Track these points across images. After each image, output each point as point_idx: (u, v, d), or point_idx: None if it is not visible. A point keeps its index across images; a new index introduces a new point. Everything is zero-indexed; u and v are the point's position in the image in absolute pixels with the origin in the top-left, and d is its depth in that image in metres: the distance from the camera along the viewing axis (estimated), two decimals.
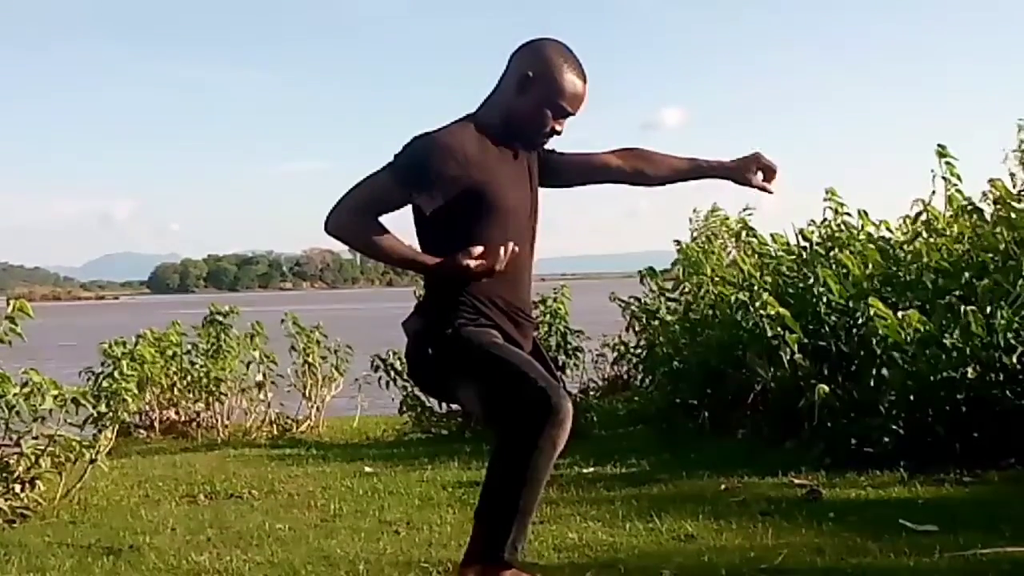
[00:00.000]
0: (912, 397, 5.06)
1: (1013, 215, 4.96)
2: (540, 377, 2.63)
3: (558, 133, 2.83)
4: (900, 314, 5.03)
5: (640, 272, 7.53)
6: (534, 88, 2.75)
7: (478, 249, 2.68)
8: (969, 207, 5.42)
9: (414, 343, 2.85)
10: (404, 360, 3.00)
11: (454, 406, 7.11)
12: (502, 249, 2.67)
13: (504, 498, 2.63)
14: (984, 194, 5.25)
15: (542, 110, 2.77)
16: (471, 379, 2.72)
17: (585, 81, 2.79)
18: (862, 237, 6.04)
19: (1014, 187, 5.39)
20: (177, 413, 8.07)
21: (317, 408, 8.33)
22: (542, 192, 2.97)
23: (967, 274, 5.24)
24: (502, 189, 2.78)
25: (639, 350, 7.58)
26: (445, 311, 2.75)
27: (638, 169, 3.05)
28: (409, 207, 2.78)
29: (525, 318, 2.88)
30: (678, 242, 7.16)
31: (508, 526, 2.63)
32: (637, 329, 7.54)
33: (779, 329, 5.58)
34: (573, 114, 2.81)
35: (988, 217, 5.35)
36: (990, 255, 5.20)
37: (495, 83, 2.86)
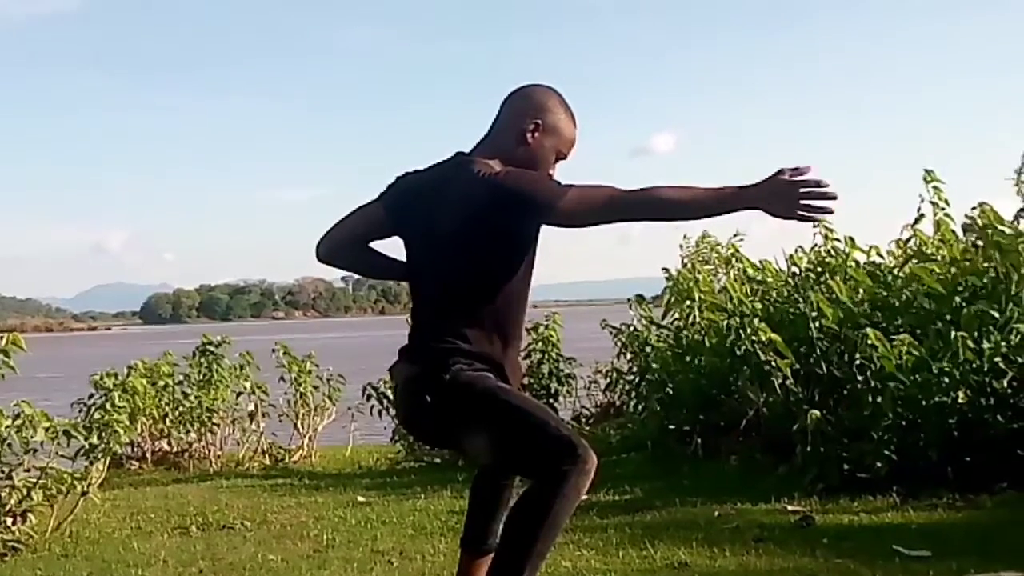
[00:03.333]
0: (904, 422, 5.06)
1: (1002, 240, 4.97)
2: (561, 424, 2.63)
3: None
4: (893, 339, 5.04)
5: (629, 300, 7.53)
6: (541, 137, 2.81)
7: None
8: (967, 227, 5.41)
9: (408, 390, 2.79)
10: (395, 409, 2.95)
11: None
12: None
13: (522, 541, 2.59)
14: (971, 220, 5.26)
15: (548, 158, 2.83)
16: (481, 427, 2.66)
17: (576, 127, 2.88)
18: (851, 263, 6.04)
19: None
20: (169, 444, 8.04)
21: (309, 437, 8.30)
22: None
23: (957, 299, 5.25)
24: None
25: (631, 377, 7.56)
26: (438, 356, 2.69)
27: None
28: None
29: (515, 360, 2.85)
30: (666, 270, 7.17)
31: (522, 567, 2.60)
32: (629, 356, 7.52)
33: (771, 355, 5.58)
34: (565, 159, 2.89)
35: (977, 242, 5.36)
36: (979, 280, 5.21)
37: (489, 125, 2.88)
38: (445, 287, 2.74)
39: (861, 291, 5.75)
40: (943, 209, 5.63)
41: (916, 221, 5.77)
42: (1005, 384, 4.93)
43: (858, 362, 5.34)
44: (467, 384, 2.66)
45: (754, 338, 5.64)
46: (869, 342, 5.09)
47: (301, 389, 8.30)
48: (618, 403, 8.00)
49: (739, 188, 2.49)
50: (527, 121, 2.80)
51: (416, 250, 2.85)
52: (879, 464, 5.02)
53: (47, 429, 4.85)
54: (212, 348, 8.10)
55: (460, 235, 2.68)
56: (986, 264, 5.14)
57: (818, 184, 2.41)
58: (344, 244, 2.95)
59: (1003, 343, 4.92)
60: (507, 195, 2.62)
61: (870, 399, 5.21)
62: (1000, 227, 5.06)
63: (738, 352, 6.00)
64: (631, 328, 7.47)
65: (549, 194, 2.60)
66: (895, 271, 5.86)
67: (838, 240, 6.17)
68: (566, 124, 2.85)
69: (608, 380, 7.95)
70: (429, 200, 2.77)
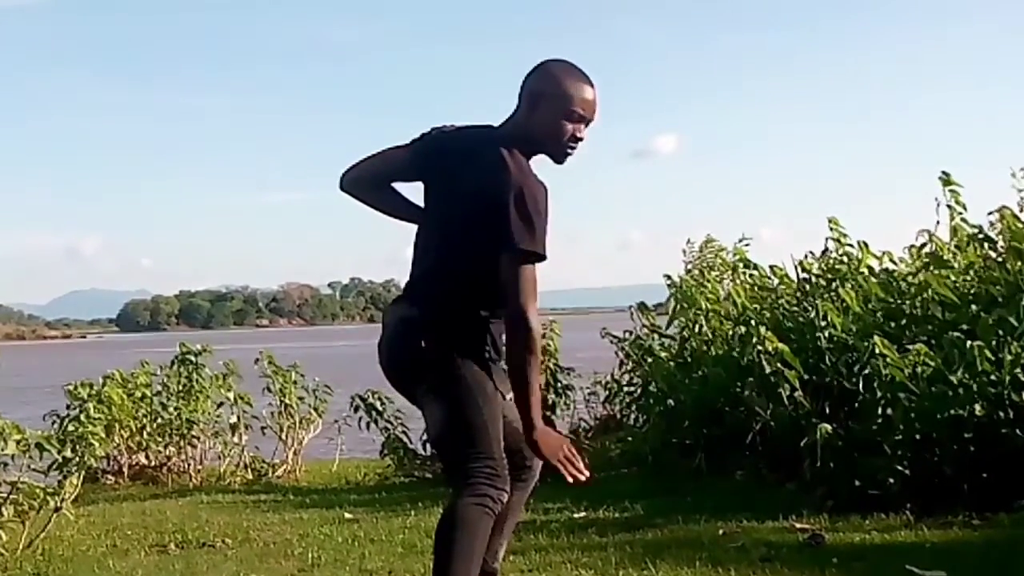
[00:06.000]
0: (918, 436, 4.94)
1: (1022, 246, 4.84)
2: (500, 455, 2.83)
3: (580, 139, 2.98)
4: (909, 347, 4.90)
5: (630, 307, 7.40)
6: (545, 103, 2.93)
7: None
8: (980, 235, 5.30)
9: (401, 329, 2.95)
10: (379, 348, 3.04)
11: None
12: None
13: (447, 556, 2.77)
14: (991, 223, 5.14)
15: (559, 122, 2.93)
16: (443, 407, 2.86)
17: (592, 86, 2.97)
18: (864, 270, 5.92)
19: (1021, 211, 5.27)
20: (147, 457, 7.92)
21: (294, 451, 8.14)
22: None
23: (974, 307, 5.13)
24: None
25: (632, 388, 7.46)
26: (441, 307, 2.89)
27: None
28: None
29: (501, 353, 2.99)
30: (668, 276, 7.03)
31: None
32: (630, 366, 7.39)
33: (778, 365, 5.46)
34: (588, 118, 2.97)
35: (997, 247, 5.23)
36: (997, 287, 5.09)
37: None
38: (450, 249, 2.93)
39: (873, 299, 5.62)
40: (960, 214, 5.50)
41: (936, 227, 5.62)
42: None
43: (868, 372, 5.20)
44: (461, 356, 2.85)
45: (761, 348, 5.54)
46: (878, 351, 4.97)
47: (286, 400, 8.13)
48: (618, 415, 7.88)
49: (537, 420, 2.82)
50: (530, 95, 2.96)
51: (432, 204, 3.04)
52: (892, 480, 4.91)
53: (18, 442, 4.77)
54: (192, 357, 7.95)
55: (470, 214, 2.87)
56: (1006, 271, 5.01)
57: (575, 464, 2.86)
58: (367, 179, 3.12)
59: (1023, 353, 4.77)
60: (503, 218, 2.78)
61: (882, 412, 5.10)
62: (1021, 231, 4.92)
63: (744, 362, 5.92)
64: (633, 337, 7.33)
65: (516, 250, 2.77)
66: (909, 278, 5.74)
67: (851, 245, 6.05)
68: (571, 86, 2.94)
69: (608, 391, 7.82)
70: (455, 164, 2.94)
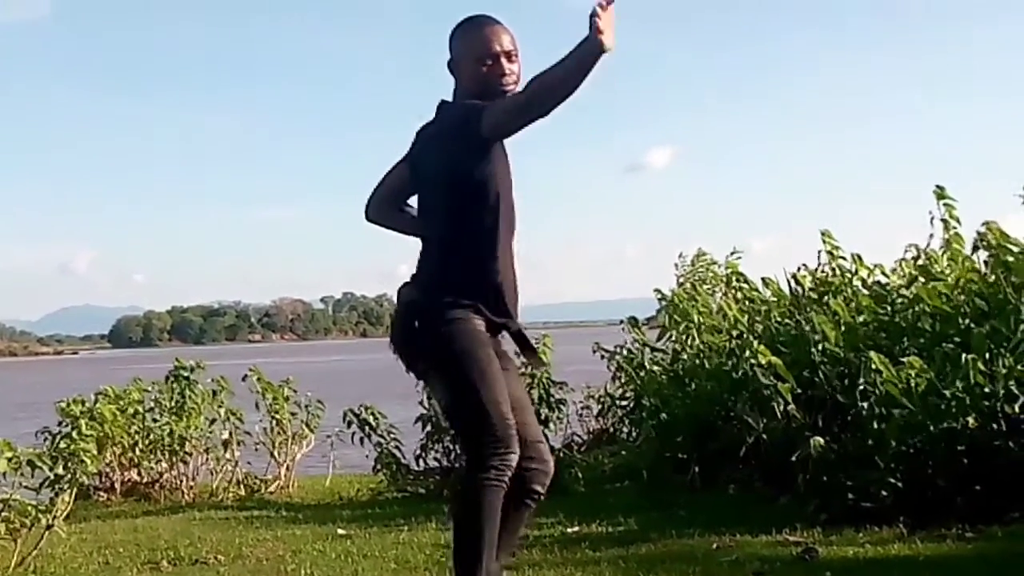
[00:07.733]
0: (911, 449, 4.94)
1: (1010, 258, 4.86)
2: (504, 416, 2.91)
3: (507, 72, 3.10)
4: (901, 362, 4.90)
5: (621, 321, 7.39)
6: (461, 67, 3.15)
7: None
8: (986, 242, 5.29)
9: (404, 311, 3.10)
10: (390, 330, 3.19)
11: (431, 464, 6.97)
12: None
13: (460, 531, 2.95)
14: (981, 236, 5.14)
15: (478, 72, 3.10)
16: (443, 382, 3.05)
17: (487, 23, 3.14)
18: (857, 283, 5.92)
19: None
20: (139, 474, 7.82)
21: (287, 467, 8.07)
22: None
23: (966, 320, 5.13)
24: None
25: (625, 402, 7.44)
26: (436, 286, 3.03)
27: None
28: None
29: (509, 312, 3.09)
30: (659, 291, 7.01)
31: (467, 553, 2.89)
32: (623, 380, 7.37)
33: (771, 379, 5.47)
34: (500, 51, 3.09)
35: (986, 261, 5.24)
36: (986, 302, 5.09)
37: None
38: (438, 222, 3.09)
39: (865, 312, 5.62)
40: (954, 228, 5.49)
41: (929, 240, 5.62)
42: (1017, 408, 4.80)
43: (862, 386, 5.21)
44: (448, 329, 2.97)
45: (753, 361, 5.54)
46: (873, 367, 4.96)
47: (278, 416, 8.06)
48: (611, 429, 7.88)
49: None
50: (451, 70, 3.18)
51: (423, 190, 3.23)
52: (885, 493, 4.90)
53: (10, 459, 4.75)
54: (185, 373, 7.87)
55: (434, 174, 3.10)
56: (994, 283, 5.01)
57: None
58: (385, 201, 3.31)
59: (1017, 365, 4.78)
60: (448, 129, 3.06)
61: (875, 425, 5.08)
62: (1008, 245, 4.93)
63: (737, 376, 5.91)
64: (625, 351, 7.31)
65: (473, 115, 2.98)
66: (901, 291, 5.74)
67: (843, 258, 6.05)
68: (467, 41, 3.14)
69: (601, 405, 7.81)
70: (427, 146, 3.17)
